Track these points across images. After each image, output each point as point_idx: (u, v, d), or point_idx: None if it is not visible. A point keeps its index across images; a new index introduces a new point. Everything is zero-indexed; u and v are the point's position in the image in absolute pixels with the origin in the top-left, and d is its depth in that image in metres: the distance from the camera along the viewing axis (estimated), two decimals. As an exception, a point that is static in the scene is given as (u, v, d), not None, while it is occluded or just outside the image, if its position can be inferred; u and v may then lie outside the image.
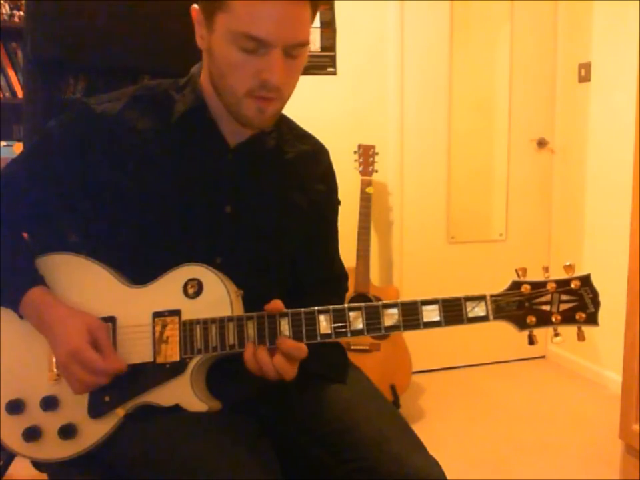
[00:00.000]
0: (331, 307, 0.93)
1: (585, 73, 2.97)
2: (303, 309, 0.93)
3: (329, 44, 2.87)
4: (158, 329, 0.96)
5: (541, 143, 3.19)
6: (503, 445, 2.37)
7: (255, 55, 0.91)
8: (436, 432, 2.47)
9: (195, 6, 0.96)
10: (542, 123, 3.19)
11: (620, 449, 2.05)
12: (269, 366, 0.93)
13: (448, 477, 0.97)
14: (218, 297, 0.95)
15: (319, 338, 0.93)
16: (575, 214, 3.10)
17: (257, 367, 0.94)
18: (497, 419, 2.60)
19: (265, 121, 0.99)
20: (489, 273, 3.09)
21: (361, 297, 2.55)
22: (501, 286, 0.91)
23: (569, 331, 0.91)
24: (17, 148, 2.55)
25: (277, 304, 0.95)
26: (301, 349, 0.93)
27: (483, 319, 0.90)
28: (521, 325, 0.90)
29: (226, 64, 0.94)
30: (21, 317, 0.99)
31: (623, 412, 2.00)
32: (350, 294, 2.54)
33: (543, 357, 3.32)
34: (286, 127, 1.12)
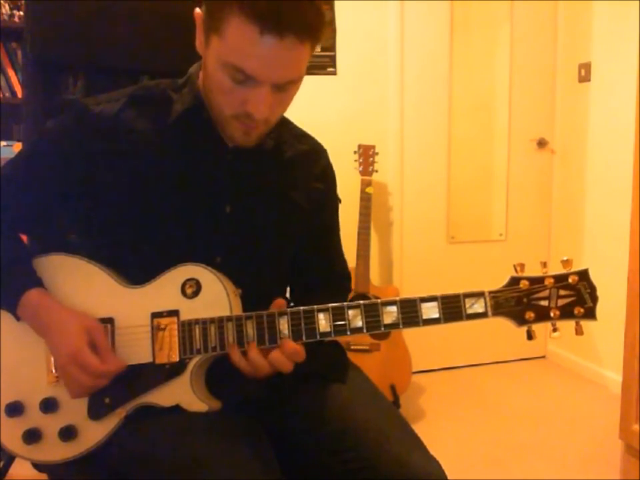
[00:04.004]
0: (329, 305, 0.92)
1: (585, 73, 2.97)
2: (302, 307, 0.93)
3: (329, 44, 2.87)
4: (157, 329, 0.96)
5: (541, 143, 3.19)
6: (503, 445, 2.37)
7: (244, 85, 0.90)
8: (436, 432, 2.46)
9: (198, 10, 0.95)
10: (542, 123, 3.19)
11: (620, 449, 2.05)
12: (263, 365, 0.93)
13: (448, 477, 0.97)
14: (216, 297, 0.95)
15: (318, 336, 0.93)
16: (575, 214, 3.10)
17: (250, 368, 0.94)
18: (497, 419, 2.60)
19: (250, 142, 1.00)
20: (488, 272, 3.09)
21: (361, 296, 2.55)
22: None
23: (568, 329, 0.91)
24: (17, 148, 2.55)
25: (280, 302, 0.95)
26: (299, 353, 0.93)
27: (482, 315, 0.90)
28: (520, 320, 0.90)
29: (215, 84, 0.93)
30: (18, 319, 0.98)
31: (623, 412, 2.00)
32: (350, 293, 2.54)
33: (543, 357, 3.32)
34: (284, 127, 1.12)
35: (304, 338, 0.93)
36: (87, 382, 0.93)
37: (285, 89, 0.92)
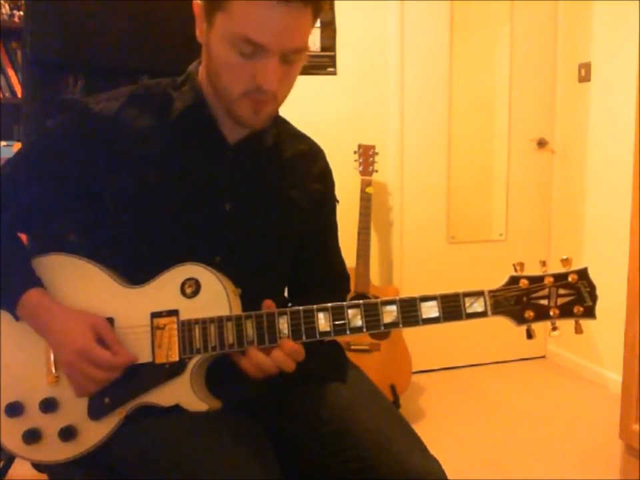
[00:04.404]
0: (329, 304, 0.93)
1: (584, 73, 2.97)
2: (301, 307, 0.93)
3: (329, 44, 2.87)
4: (156, 329, 0.96)
5: (541, 143, 3.19)
6: (503, 445, 2.37)
7: (252, 59, 0.91)
8: (436, 432, 2.46)
9: (197, 0, 0.96)
10: (542, 123, 3.19)
11: (620, 449, 2.05)
12: (268, 364, 0.93)
13: (448, 477, 0.97)
14: (216, 296, 0.95)
15: (318, 336, 0.93)
16: (575, 214, 3.10)
17: (258, 370, 0.94)
18: (497, 419, 2.60)
19: (259, 122, 1.00)
20: (488, 272, 3.08)
21: (361, 296, 2.55)
22: (500, 286, 0.91)
23: (568, 329, 0.91)
24: (17, 148, 2.55)
25: (269, 304, 0.96)
26: (299, 352, 0.94)
27: (482, 314, 0.90)
28: (519, 319, 0.90)
29: (222, 64, 0.94)
30: (17, 319, 0.98)
31: (623, 412, 2.00)
32: (350, 294, 2.54)
33: (543, 357, 3.32)
34: (282, 126, 1.13)
35: (304, 337, 0.93)
36: (99, 376, 0.93)
37: (292, 60, 0.94)
